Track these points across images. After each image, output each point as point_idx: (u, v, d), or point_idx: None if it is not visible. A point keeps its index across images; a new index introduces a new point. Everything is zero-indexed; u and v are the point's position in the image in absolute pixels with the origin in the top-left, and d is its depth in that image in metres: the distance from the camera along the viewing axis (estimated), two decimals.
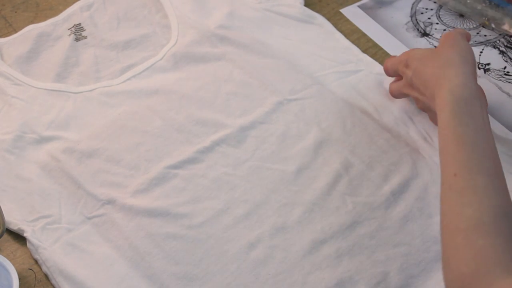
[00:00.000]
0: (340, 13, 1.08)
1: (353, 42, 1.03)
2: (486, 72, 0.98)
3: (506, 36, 1.02)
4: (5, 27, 1.06)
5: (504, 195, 0.69)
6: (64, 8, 1.06)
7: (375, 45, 1.04)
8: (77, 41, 1.03)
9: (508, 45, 1.01)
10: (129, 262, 0.82)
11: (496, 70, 0.99)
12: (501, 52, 1.00)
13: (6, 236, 0.85)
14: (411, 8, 1.07)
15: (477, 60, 0.98)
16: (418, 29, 1.04)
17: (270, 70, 0.98)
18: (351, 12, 1.08)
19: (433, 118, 0.91)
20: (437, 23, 1.05)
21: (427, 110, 0.91)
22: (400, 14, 1.07)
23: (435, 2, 1.06)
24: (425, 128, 0.93)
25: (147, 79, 0.99)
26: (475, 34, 1.03)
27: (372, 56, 1.02)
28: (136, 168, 0.90)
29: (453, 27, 1.03)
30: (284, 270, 0.82)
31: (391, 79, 0.97)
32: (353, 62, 1.01)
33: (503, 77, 0.98)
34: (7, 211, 0.85)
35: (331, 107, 0.95)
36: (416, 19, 1.05)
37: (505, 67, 0.99)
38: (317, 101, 0.95)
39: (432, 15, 1.05)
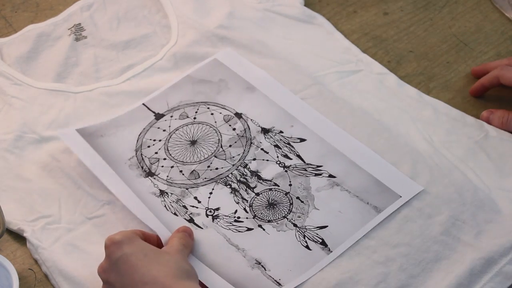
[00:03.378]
0: (340, 13, 1.07)
1: (353, 42, 1.03)
2: (215, 220, 0.84)
3: (239, 167, 0.87)
4: (5, 27, 1.06)
5: None
6: (64, 8, 1.06)
7: (375, 45, 1.04)
8: (77, 41, 1.03)
9: (242, 179, 0.87)
10: None
11: (225, 216, 0.84)
12: (233, 191, 0.86)
13: (6, 236, 0.85)
14: (137, 140, 0.91)
15: (206, 205, 0.85)
16: (142, 167, 0.88)
17: (270, 70, 0.98)
18: (67, 136, 0.90)
19: None
20: (164, 159, 0.89)
21: None
22: (124, 147, 0.91)
23: (164, 131, 0.91)
24: (425, 128, 0.93)
25: (147, 79, 0.99)
26: (206, 167, 0.88)
27: (372, 56, 1.02)
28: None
29: (183, 162, 0.88)
30: None
31: (391, 78, 0.98)
32: (353, 62, 1.01)
33: (233, 225, 0.84)
34: (7, 211, 0.84)
35: (331, 107, 0.95)
36: (141, 154, 0.89)
37: (235, 211, 0.85)
38: (317, 101, 0.95)
39: (160, 148, 0.90)
